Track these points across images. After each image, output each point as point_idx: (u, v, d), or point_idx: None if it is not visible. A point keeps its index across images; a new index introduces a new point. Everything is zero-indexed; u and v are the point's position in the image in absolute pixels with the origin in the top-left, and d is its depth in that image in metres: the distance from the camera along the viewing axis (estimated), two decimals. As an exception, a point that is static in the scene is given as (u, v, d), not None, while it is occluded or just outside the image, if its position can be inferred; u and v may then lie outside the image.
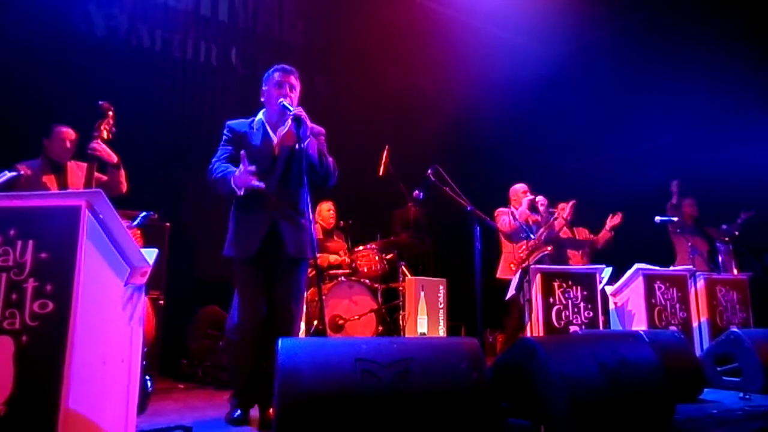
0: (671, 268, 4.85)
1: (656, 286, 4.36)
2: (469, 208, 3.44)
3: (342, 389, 1.71)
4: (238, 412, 2.70)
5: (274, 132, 2.82)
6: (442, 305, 5.40)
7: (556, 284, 4.13)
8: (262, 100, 2.87)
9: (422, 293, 5.24)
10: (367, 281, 4.82)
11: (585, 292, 4.18)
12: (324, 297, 4.42)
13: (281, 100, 2.71)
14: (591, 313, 4.16)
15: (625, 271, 4.44)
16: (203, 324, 4.55)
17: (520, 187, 5.26)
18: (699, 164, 6.22)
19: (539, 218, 5.12)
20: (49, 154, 3.42)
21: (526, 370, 2.17)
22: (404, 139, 5.76)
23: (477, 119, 7.14)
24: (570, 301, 4.14)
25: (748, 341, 3.52)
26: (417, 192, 3.83)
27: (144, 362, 2.48)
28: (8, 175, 3.04)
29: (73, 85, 4.56)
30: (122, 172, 3.33)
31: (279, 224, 2.71)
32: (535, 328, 4.06)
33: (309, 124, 2.62)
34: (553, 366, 2.05)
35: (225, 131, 2.86)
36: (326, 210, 5.19)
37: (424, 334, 5.13)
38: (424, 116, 6.84)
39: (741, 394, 3.25)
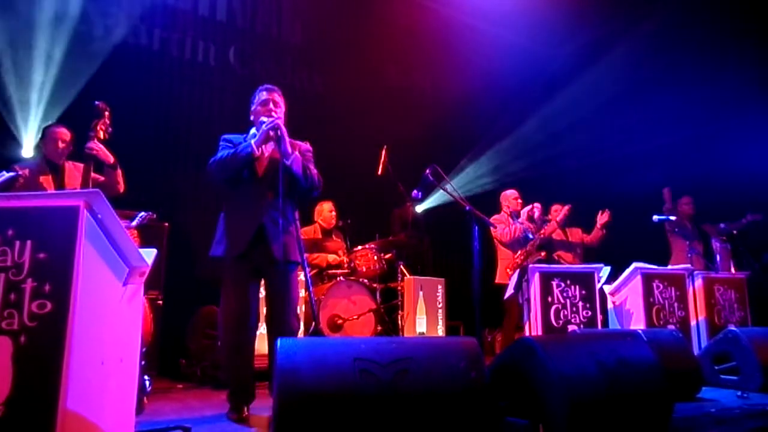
0: (668, 267, 4.86)
1: (654, 285, 4.36)
2: (467, 208, 3.44)
3: (341, 389, 1.71)
4: (236, 411, 2.72)
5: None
6: (440, 305, 5.41)
7: (554, 283, 4.14)
8: (251, 118, 3.01)
9: (421, 293, 5.24)
10: (366, 281, 4.81)
11: (583, 292, 4.18)
12: (323, 297, 4.43)
13: (262, 118, 2.88)
14: (589, 312, 4.16)
15: (623, 270, 4.45)
16: (202, 324, 4.55)
17: (510, 193, 5.18)
18: (699, 164, 6.23)
19: (533, 226, 5.12)
20: (44, 154, 3.42)
21: (525, 369, 2.17)
22: (403, 138, 5.76)
23: (477, 119, 7.14)
24: (568, 301, 4.14)
25: (746, 340, 3.52)
26: (416, 192, 3.83)
27: (143, 362, 2.48)
28: (6, 175, 3.04)
29: (73, 84, 4.55)
30: (119, 172, 3.33)
31: (266, 227, 2.79)
32: (533, 328, 4.07)
33: (287, 139, 2.80)
34: (552, 365, 2.05)
35: (221, 142, 2.97)
36: (327, 210, 5.16)
37: (423, 333, 5.14)
38: (423, 116, 6.84)
39: (739, 393, 3.24)
